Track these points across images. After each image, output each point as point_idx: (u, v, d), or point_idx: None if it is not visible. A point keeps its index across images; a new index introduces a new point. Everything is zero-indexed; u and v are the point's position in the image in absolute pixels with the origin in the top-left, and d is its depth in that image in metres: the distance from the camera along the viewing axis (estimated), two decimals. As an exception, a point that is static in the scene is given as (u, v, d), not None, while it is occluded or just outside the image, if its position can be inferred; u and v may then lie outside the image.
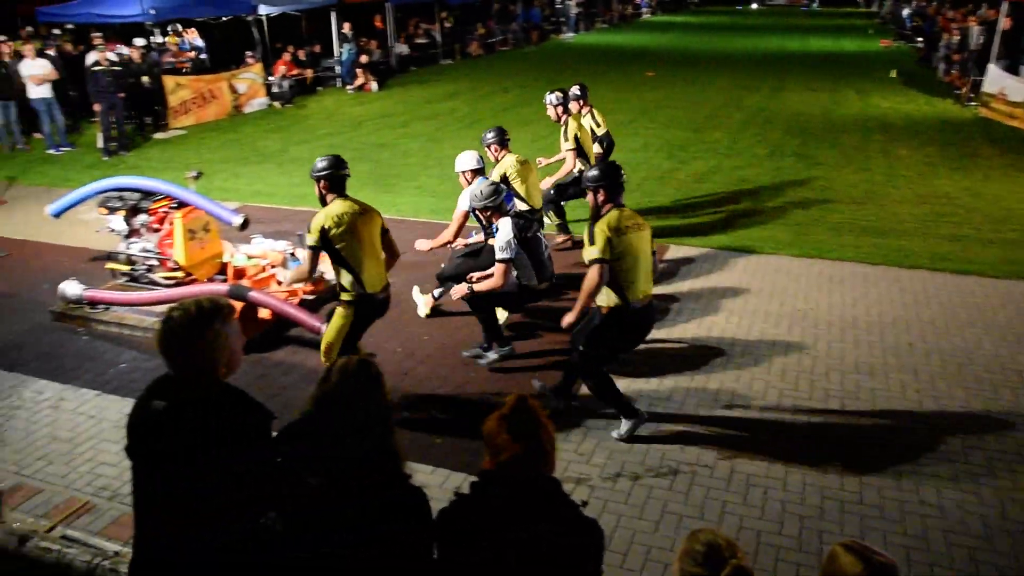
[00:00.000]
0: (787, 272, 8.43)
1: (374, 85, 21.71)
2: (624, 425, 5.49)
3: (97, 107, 14.40)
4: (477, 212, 6.79)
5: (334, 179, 5.46)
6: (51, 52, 16.38)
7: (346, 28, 22.52)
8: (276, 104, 19.51)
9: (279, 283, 7.55)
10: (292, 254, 7.81)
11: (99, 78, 14.28)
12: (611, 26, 44.12)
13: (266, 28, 21.75)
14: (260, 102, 19.32)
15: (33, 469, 5.35)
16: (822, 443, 5.45)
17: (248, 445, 2.67)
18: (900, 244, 9.13)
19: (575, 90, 9.59)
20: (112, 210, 8.15)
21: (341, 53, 22.46)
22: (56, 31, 18.25)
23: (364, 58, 22.09)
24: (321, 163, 5.48)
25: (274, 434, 2.79)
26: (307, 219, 5.78)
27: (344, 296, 5.54)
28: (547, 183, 9.04)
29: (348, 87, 21.89)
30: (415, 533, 2.58)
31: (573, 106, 9.51)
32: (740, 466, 5.18)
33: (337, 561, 2.51)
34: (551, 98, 9.21)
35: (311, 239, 5.37)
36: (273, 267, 7.74)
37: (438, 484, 4.99)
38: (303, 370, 6.62)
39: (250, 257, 7.92)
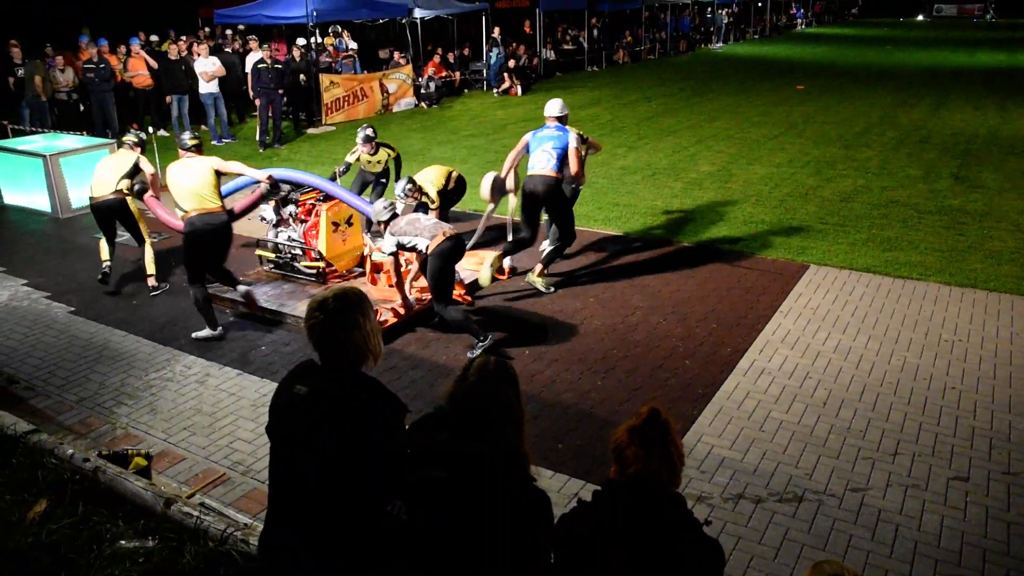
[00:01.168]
0: (935, 300, 7.96)
1: (519, 89, 22.00)
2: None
3: (258, 102, 15.29)
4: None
5: None
6: (229, 50, 17.55)
7: (495, 32, 22.93)
8: (423, 105, 20.07)
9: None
10: None
11: (262, 75, 15.13)
12: (762, 37, 43.01)
13: (419, 30, 22.42)
14: (408, 102, 19.94)
15: (179, 438, 5.71)
16: (965, 484, 5.12)
17: (382, 435, 2.73)
18: (1068, 279, 8.46)
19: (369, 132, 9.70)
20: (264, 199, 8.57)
21: (489, 57, 22.88)
22: (229, 31, 19.46)
23: (511, 62, 22.42)
24: None
25: (406, 427, 2.85)
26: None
27: None
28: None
29: (494, 90, 22.28)
30: (536, 536, 2.59)
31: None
32: (871, 499, 4.94)
33: (457, 556, 2.54)
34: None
35: None
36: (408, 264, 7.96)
37: (556, 489, 5.00)
38: (431, 365, 6.76)
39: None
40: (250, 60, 16.54)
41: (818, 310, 7.74)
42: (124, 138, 8.67)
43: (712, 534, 2.71)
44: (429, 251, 6.78)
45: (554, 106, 8.27)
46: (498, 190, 8.64)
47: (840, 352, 6.89)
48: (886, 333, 7.25)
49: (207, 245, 7.19)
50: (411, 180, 8.39)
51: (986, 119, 17.73)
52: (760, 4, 45.78)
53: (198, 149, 7.30)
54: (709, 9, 39.38)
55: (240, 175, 7.74)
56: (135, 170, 8.34)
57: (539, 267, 8.29)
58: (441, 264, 6.78)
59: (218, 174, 7.17)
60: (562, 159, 7.99)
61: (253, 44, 16.48)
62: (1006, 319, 7.51)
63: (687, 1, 36.08)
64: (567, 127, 8.16)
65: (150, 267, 8.49)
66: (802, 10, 51.63)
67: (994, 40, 38.98)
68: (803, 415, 5.90)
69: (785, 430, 5.71)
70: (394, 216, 7.05)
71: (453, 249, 6.85)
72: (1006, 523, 4.72)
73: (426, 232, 6.84)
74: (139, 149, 8.53)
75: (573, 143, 7.98)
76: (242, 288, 7.68)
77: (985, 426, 5.75)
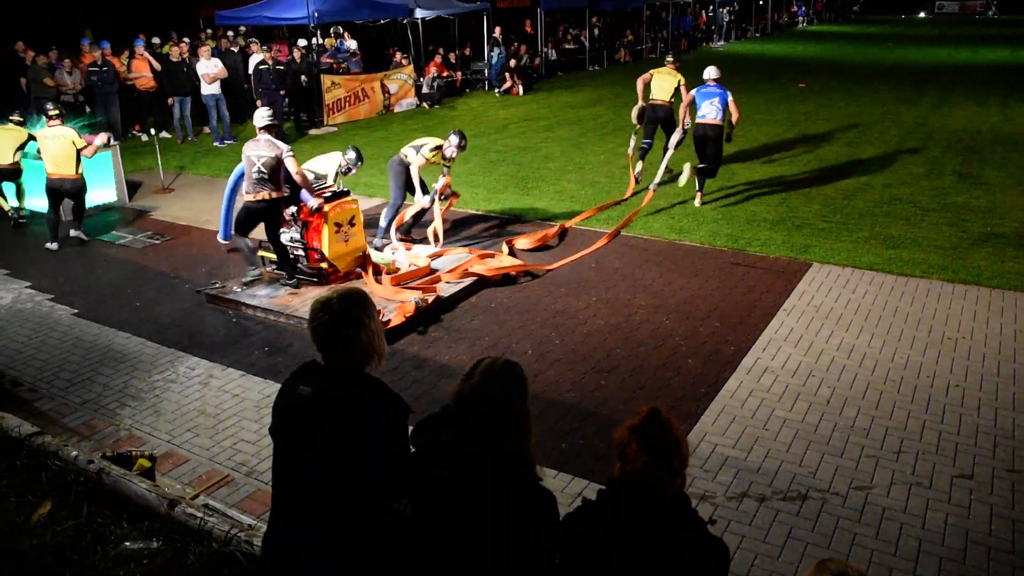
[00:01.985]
0: (938, 297, 7.94)
1: (521, 89, 22.00)
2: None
3: (259, 103, 15.28)
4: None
5: None
6: (234, 49, 17.59)
7: (496, 32, 22.94)
8: (425, 105, 20.07)
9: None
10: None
11: (263, 76, 15.14)
12: (764, 35, 43.02)
13: (420, 31, 22.44)
14: (409, 102, 19.96)
15: (182, 439, 5.72)
16: (970, 482, 5.11)
17: (385, 435, 2.73)
18: (1072, 275, 8.43)
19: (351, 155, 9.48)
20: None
21: (491, 57, 22.88)
22: (230, 33, 19.47)
23: (513, 62, 22.42)
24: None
25: (410, 428, 2.84)
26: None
27: None
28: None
29: (496, 90, 22.28)
30: (541, 535, 2.59)
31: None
32: (875, 498, 4.94)
33: (461, 555, 2.55)
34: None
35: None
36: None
37: (561, 488, 5.00)
38: (434, 365, 6.76)
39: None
40: (252, 61, 16.56)
41: (821, 308, 7.73)
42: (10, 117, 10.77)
43: (716, 533, 2.71)
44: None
45: (712, 71, 11.07)
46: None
47: (844, 350, 6.88)
48: (889, 331, 7.23)
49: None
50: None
51: (989, 116, 17.70)
52: (761, 2, 45.76)
53: (60, 119, 9.96)
54: (711, 7, 39.38)
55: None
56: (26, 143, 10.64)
57: (698, 195, 11.11)
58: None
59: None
60: (724, 109, 10.82)
61: (255, 46, 16.47)
62: (1009, 316, 7.49)
63: (687, 0, 36.07)
64: (723, 86, 10.92)
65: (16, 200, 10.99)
66: (803, 8, 51.61)
67: (997, 36, 38.90)
68: (807, 413, 5.90)
69: (789, 428, 5.70)
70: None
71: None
72: (1011, 520, 4.71)
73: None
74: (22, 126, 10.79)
75: (730, 97, 10.84)
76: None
77: (989, 424, 5.73)
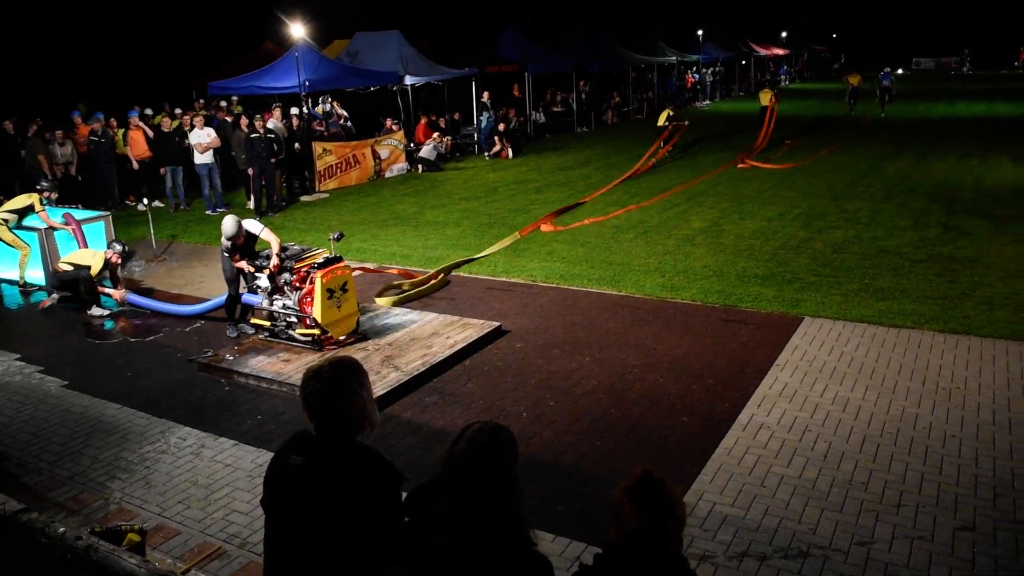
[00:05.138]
0: (930, 348, 7.95)
1: (510, 152, 22.28)
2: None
3: (250, 171, 15.45)
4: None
5: None
6: (228, 118, 17.84)
7: (485, 97, 23.30)
8: (416, 169, 20.28)
9: None
10: None
11: (254, 145, 15.30)
12: (748, 94, 43.84)
13: (410, 97, 22.79)
14: (400, 167, 20.17)
15: (173, 511, 5.62)
16: (972, 534, 5.03)
17: (379, 505, 2.70)
18: (1061, 322, 8.46)
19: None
20: (259, 268, 8.60)
21: (480, 121, 23.22)
22: (223, 103, 19.77)
23: (502, 126, 22.73)
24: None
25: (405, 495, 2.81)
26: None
27: None
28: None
29: (486, 154, 22.55)
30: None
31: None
32: (877, 553, 4.87)
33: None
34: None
35: None
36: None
37: (559, 552, 4.92)
38: (429, 430, 6.69)
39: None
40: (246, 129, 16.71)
41: (815, 362, 7.71)
42: None
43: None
44: None
45: None
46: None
47: (839, 404, 6.85)
48: (883, 383, 7.22)
49: None
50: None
51: (970, 168, 18.00)
52: (744, 63, 46.79)
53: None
54: (695, 68, 40.21)
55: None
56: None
57: None
58: None
59: None
60: None
61: (245, 122, 16.64)
62: (1002, 364, 7.50)
63: (672, 62, 36.78)
64: None
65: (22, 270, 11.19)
66: (785, 67, 52.79)
67: (972, 92, 39.82)
68: (804, 469, 5.84)
69: (787, 485, 5.64)
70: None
71: None
72: (1017, 572, 4.64)
73: None
74: None
75: None
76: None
77: (988, 474, 5.69)
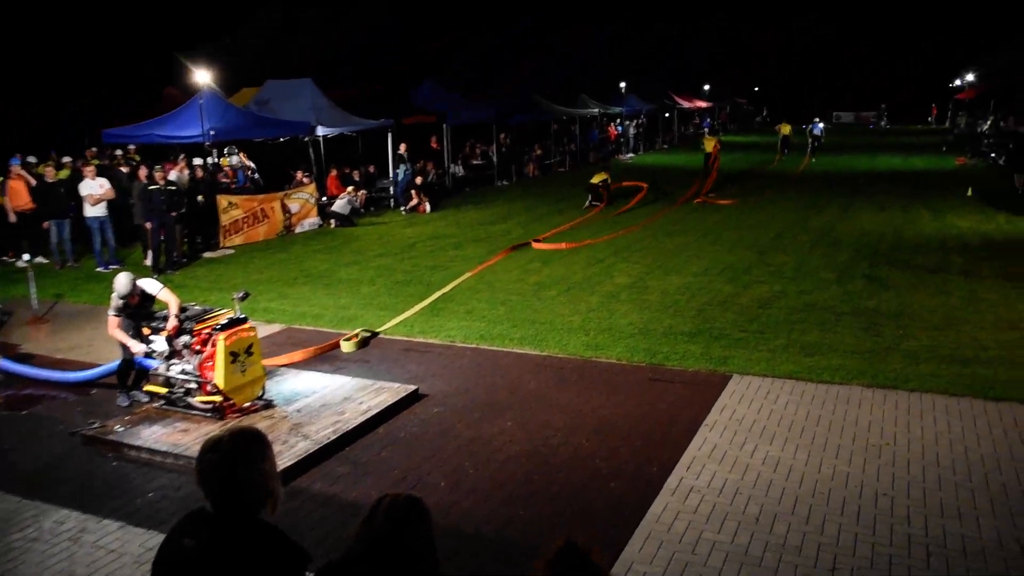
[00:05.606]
0: (859, 403, 7.78)
1: (428, 206, 21.74)
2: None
3: (148, 225, 14.49)
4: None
5: None
6: (124, 169, 16.85)
7: (402, 148, 22.83)
8: (328, 224, 19.59)
9: None
10: None
11: (153, 197, 14.41)
12: (671, 146, 44.82)
13: (322, 148, 22.16)
14: (312, 222, 19.43)
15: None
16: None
17: None
18: (985, 373, 8.37)
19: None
20: (156, 331, 7.95)
21: (396, 174, 22.70)
22: (119, 152, 18.78)
23: (419, 179, 22.23)
24: None
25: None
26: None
27: None
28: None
29: (402, 208, 21.93)
30: None
31: None
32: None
33: None
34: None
35: None
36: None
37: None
38: (340, 503, 6.18)
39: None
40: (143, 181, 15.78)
41: (743, 421, 7.44)
42: None
43: None
44: None
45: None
46: None
47: (769, 464, 6.62)
48: (814, 441, 7.04)
49: None
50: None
51: (891, 220, 18.45)
52: (668, 115, 47.84)
53: None
54: (617, 121, 40.77)
55: None
56: None
57: None
58: None
59: None
60: None
61: (143, 171, 15.68)
62: (929, 419, 7.42)
63: (595, 114, 37.15)
64: None
65: None
66: (708, 120, 54.27)
67: (889, 145, 41.82)
68: (736, 533, 5.60)
69: (719, 551, 5.39)
70: None
71: None
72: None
73: None
74: None
75: None
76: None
77: (920, 533, 5.58)
